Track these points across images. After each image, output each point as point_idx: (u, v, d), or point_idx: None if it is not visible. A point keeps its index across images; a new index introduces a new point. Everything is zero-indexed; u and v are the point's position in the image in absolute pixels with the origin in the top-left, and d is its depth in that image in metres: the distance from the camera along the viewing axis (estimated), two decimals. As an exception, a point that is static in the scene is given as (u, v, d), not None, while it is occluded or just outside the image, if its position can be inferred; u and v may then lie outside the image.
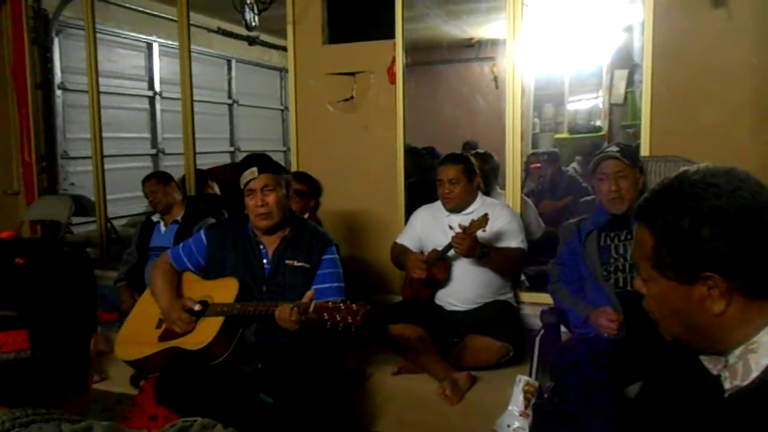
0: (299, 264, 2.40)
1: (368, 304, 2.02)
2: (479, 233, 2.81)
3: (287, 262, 2.41)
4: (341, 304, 2.02)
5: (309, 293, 2.16)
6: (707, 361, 0.99)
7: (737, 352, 0.92)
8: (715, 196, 0.90)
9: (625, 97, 5.82)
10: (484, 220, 2.77)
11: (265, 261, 2.44)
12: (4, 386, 0.73)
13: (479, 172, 3.22)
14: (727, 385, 0.93)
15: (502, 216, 3.07)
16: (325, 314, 2.01)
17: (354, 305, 2.00)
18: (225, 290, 2.37)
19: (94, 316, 0.86)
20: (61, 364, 0.78)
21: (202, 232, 2.57)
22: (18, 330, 0.73)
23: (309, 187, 3.75)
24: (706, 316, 0.92)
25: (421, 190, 3.89)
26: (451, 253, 2.93)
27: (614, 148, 2.47)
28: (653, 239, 0.95)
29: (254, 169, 2.39)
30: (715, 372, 0.97)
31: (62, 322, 0.78)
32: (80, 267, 0.83)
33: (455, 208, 3.09)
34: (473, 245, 2.80)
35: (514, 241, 3.04)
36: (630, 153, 2.51)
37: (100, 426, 0.71)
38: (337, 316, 2.00)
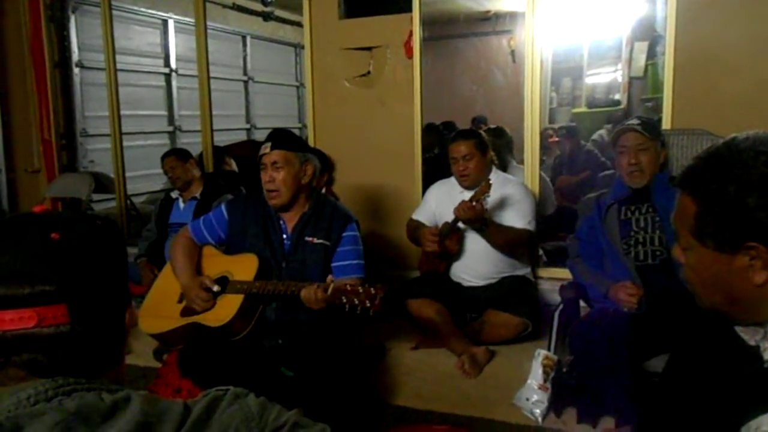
0: (319, 241, 2.39)
1: (385, 286, 2.00)
2: (488, 202, 2.85)
3: (307, 238, 2.39)
4: (359, 288, 2.00)
5: (330, 277, 2.15)
6: (743, 332, 0.97)
7: None
8: (765, 165, 0.87)
9: (645, 70, 5.72)
10: (486, 185, 2.79)
11: (284, 237, 2.43)
12: (45, 360, 0.74)
13: (492, 147, 3.21)
14: (767, 356, 0.92)
15: (514, 191, 3.08)
16: (343, 297, 2.00)
17: (372, 289, 1.98)
18: (245, 266, 2.37)
19: (128, 288, 0.86)
20: (99, 337, 0.79)
21: (223, 206, 2.55)
22: (58, 304, 0.74)
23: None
24: (747, 287, 0.90)
25: (441, 165, 3.87)
26: (462, 224, 2.94)
27: (635, 121, 2.44)
28: (696, 207, 0.93)
29: (268, 144, 2.37)
30: (752, 342, 0.96)
31: (99, 295, 0.79)
32: (113, 240, 0.83)
33: (472, 185, 3.07)
34: (476, 214, 2.80)
35: (521, 221, 3.02)
36: (651, 126, 2.48)
37: (138, 395, 0.72)
38: (355, 299, 1.98)
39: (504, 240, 2.99)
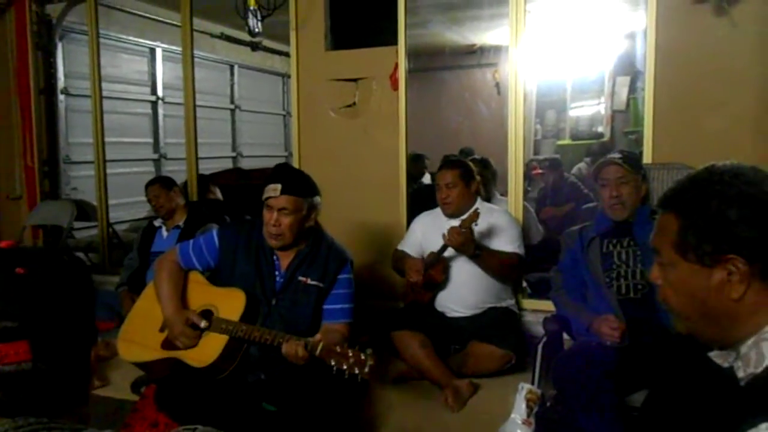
0: (312, 282, 2.33)
1: (375, 355, 1.96)
2: (475, 231, 2.87)
3: (300, 278, 2.33)
4: (349, 351, 1.95)
5: (318, 336, 2.11)
6: (717, 357, 1.01)
7: (749, 342, 0.94)
8: (744, 183, 0.95)
9: (627, 104, 5.83)
10: (475, 214, 2.82)
11: (277, 273, 2.36)
12: (5, 398, 0.72)
13: (478, 178, 3.23)
14: (740, 374, 0.95)
15: (500, 219, 3.11)
16: (332, 360, 1.96)
17: (362, 354, 1.94)
18: (231, 303, 2.28)
19: (94, 326, 0.85)
20: (62, 375, 0.77)
21: (214, 232, 2.46)
22: (19, 341, 0.72)
23: None
24: (724, 302, 0.94)
25: (427, 196, 3.87)
26: (448, 252, 2.94)
27: (617, 155, 2.47)
28: (679, 222, 0.98)
29: (278, 186, 2.26)
30: (725, 365, 0.99)
31: (63, 333, 0.77)
32: (80, 276, 0.82)
33: (454, 213, 3.09)
34: (466, 239, 2.82)
35: (510, 245, 3.05)
36: (633, 159, 2.50)
37: None
38: (344, 364, 1.94)
39: (498, 264, 3.00)
